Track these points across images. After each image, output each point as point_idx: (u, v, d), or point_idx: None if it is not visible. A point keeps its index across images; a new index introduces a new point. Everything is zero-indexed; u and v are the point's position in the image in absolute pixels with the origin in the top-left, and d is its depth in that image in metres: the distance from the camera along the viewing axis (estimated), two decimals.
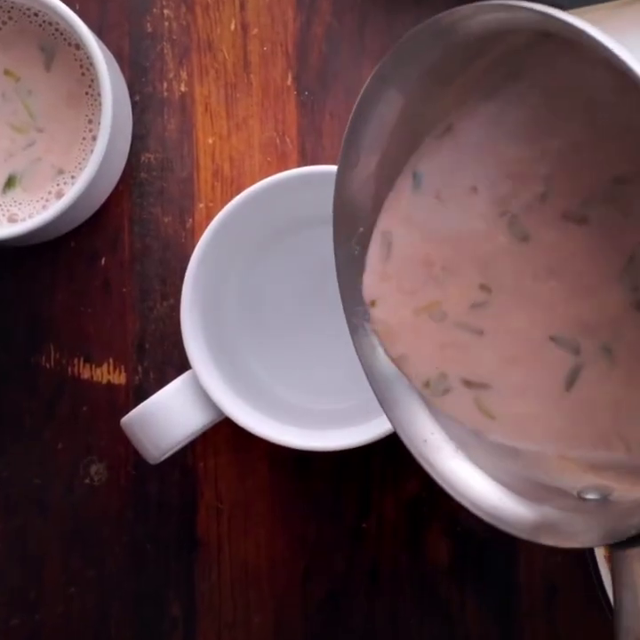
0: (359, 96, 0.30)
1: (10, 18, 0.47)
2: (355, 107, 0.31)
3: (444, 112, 0.31)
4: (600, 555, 0.46)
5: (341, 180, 0.32)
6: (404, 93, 0.31)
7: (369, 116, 0.31)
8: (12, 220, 0.46)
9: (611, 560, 0.31)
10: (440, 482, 0.32)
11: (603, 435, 0.30)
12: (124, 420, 0.45)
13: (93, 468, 0.50)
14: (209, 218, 0.48)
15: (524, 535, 0.30)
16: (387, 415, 0.34)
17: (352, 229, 0.33)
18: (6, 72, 0.47)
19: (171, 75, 0.50)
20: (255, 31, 0.50)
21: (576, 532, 0.29)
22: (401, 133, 0.31)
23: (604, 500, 0.30)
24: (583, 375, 0.30)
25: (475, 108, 0.30)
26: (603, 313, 0.29)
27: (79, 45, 0.46)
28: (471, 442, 0.33)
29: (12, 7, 0.46)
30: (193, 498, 0.50)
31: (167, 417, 0.44)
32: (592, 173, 0.29)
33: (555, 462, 0.31)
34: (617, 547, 0.28)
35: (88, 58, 0.46)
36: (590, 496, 0.30)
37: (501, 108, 0.30)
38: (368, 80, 0.30)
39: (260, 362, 0.49)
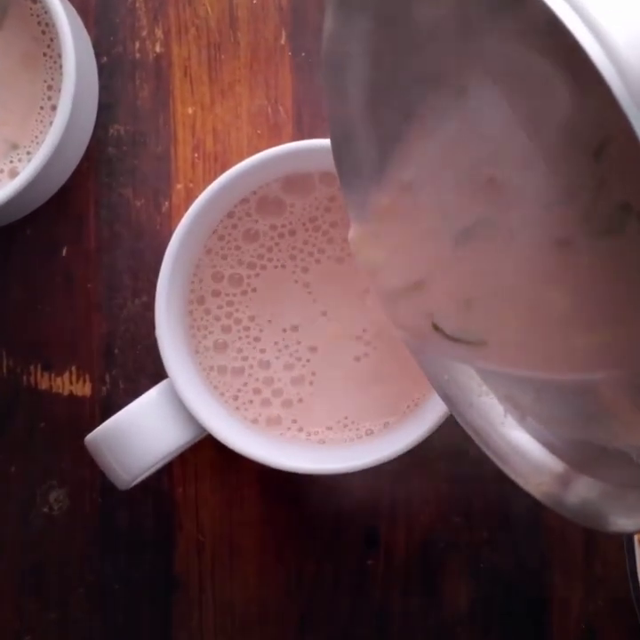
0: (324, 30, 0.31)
1: None
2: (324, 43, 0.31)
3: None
4: None
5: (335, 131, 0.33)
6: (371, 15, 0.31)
7: (343, 49, 0.32)
8: None
9: None
10: (487, 451, 0.33)
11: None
12: (89, 437, 0.44)
13: (53, 495, 0.50)
14: (188, 200, 0.48)
15: (569, 516, 0.31)
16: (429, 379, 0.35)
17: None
18: None
19: (144, 33, 0.50)
20: None
21: (611, 513, 0.30)
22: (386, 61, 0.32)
23: None
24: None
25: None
26: None
27: None
28: (523, 402, 0.33)
29: None
30: (170, 530, 0.49)
31: (140, 434, 0.43)
32: None
33: (625, 415, 0.31)
34: None
35: (46, 13, 0.45)
36: None
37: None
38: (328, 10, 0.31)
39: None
